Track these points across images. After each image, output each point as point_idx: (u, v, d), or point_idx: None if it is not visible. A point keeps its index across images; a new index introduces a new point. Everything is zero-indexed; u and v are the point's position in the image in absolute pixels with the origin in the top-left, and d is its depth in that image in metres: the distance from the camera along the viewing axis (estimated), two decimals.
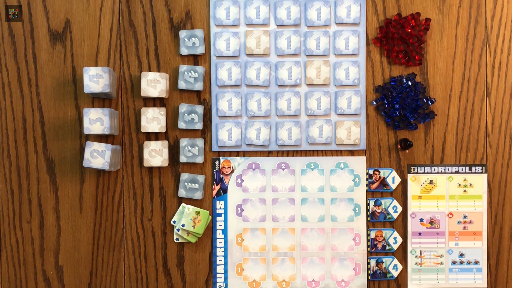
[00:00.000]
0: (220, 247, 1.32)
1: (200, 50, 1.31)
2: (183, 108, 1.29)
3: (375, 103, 1.33)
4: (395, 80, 1.32)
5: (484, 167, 1.33)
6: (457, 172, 1.33)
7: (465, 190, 1.33)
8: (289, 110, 1.32)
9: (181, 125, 1.30)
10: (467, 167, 1.33)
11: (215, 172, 1.32)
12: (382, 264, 1.32)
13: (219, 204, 1.32)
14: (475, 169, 1.33)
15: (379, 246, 1.32)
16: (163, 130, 1.29)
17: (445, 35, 1.33)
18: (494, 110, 1.33)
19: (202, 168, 1.32)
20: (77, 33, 1.31)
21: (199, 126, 1.30)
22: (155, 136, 1.32)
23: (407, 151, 1.33)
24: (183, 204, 1.31)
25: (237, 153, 1.33)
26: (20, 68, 1.31)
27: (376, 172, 1.32)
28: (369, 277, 1.33)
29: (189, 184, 1.31)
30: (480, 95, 1.33)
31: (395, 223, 1.33)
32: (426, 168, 1.33)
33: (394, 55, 1.32)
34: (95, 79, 1.21)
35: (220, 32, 1.31)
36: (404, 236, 1.33)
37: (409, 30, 1.30)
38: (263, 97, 1.32)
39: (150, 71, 1.32)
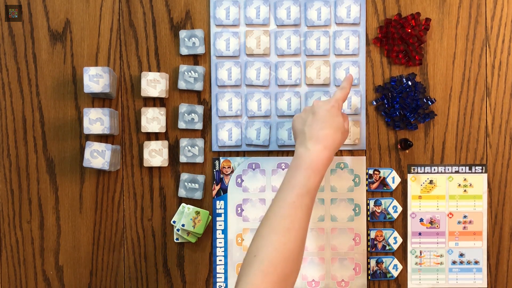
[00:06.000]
0: (220, 247, 1.32)
1: (200, 50, 1.31)
2: (183, 108, 1.29)
3: (375, 103, 1.33)
4: (395, 80, 1.32)
5: (484, 167, 1.33)
6: (457, 172, 1.33)
7: (465, 190, 1.33)
8: (289, 110, 1.32)
9: (181, 125, 1.30)
10: (467, 167, 1.33)
11: (215, 172, 1.32)
12: (382, 264, 1.32)
13: (219, 204, 1.32)
14: (475, 169, 1.33)
15: (379, 246, 1.32)
16: (163, 130, 1.29)
17: (445, 35, 1.33)
18: (494, 110, 1.33)
19: (202, 168, 1.32)
20: (77, 33, 1.31)
21: (199, 126, 1.30)
22: (155, 136, 1.32)
23: (407, 151, 1.33)
24: (183, 204, 1.31)
25: (237, 153, 1.33)
26: (20, 68, 1.31)
27: (376, 172, 1.32)
28: (369, 277, 1.33)
29: (189, 184, 1.31)
30: (480, 95, 1.33)
31: (395, 223, 1.33)
32: (426, 168, 1.33)
33: (394, 55, 1.32)
34: (95, 79, 1.21)
35: (220, 32, 1.31)
36: (404, 236, 1.33)
37: (409, 30, 1.30)
38: (263, 97, 1.32)
39: (150, 71, 1.32)
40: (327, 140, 1.06)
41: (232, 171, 1.32)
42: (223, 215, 1.32)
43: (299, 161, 1.06)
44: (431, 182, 1.33)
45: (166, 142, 1.30)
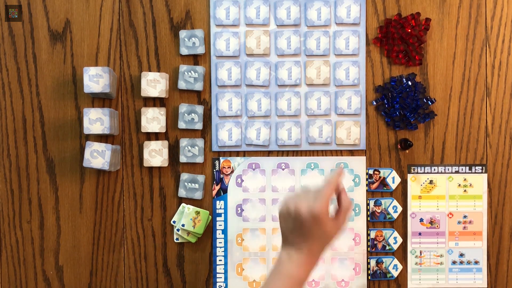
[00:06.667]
0: (220, 247, 1.32)
1: (200, 50, 1.31)
2: (183, 108, 1.29)
3: (375, 103, 1.33)
4: (395, 80, 1.32)
5: (484, 167, 1.33)
6: (457, 172, 1.33)
7: (465, 190, 1.33)
8: (289, 110, 1.32)
9: (181, 125, 1.30)
10: (467, 167, 1.33)
11: (215, 172, 1.32)
12: (382, 264, 1.32)
13: (219, 204, 1.32)
14: (475, 169, 1.33)
15: (379, 246, 1.32)
16: (163, 130, 1.29)
17: (445, 35, 1.33)
18: (494, 110, 1.33)
19: (202, 168, 1.32)
20: (77, 33, 1.31)
21: (199, 126, 1.30)
22: (155, 136, 1.32)
23: (407, 151, 1.33)
24: (183, 204, 1.31)
25: (237, 153, 1.33)
26: (20, 68, 1.31)
27: (376, 172, 1.32)
28: (369, 277, 1.33)
29: (189, 184, 1.31)
30: (480, 95, 1.33)
31: (395, 223, 1.33)
32: (426, 168, 1.33)
33: (394, 55, 1.32)
34: (95, 79, 1.21)
35: (220, 32, 1.31)
36: (404, 236, 1.33)
37: (409, 30, 1.30)
38: (263, 97, 1.32)
39: (150, 71, 1.32)
40: (312, 250, 0.97)
41: (232, 171, 1.32)
42: (223, 215, 1.32)
43: (281, 267, 0.98)
44: (431, 182, 1.33)
45: (166, 142, 1.30)
